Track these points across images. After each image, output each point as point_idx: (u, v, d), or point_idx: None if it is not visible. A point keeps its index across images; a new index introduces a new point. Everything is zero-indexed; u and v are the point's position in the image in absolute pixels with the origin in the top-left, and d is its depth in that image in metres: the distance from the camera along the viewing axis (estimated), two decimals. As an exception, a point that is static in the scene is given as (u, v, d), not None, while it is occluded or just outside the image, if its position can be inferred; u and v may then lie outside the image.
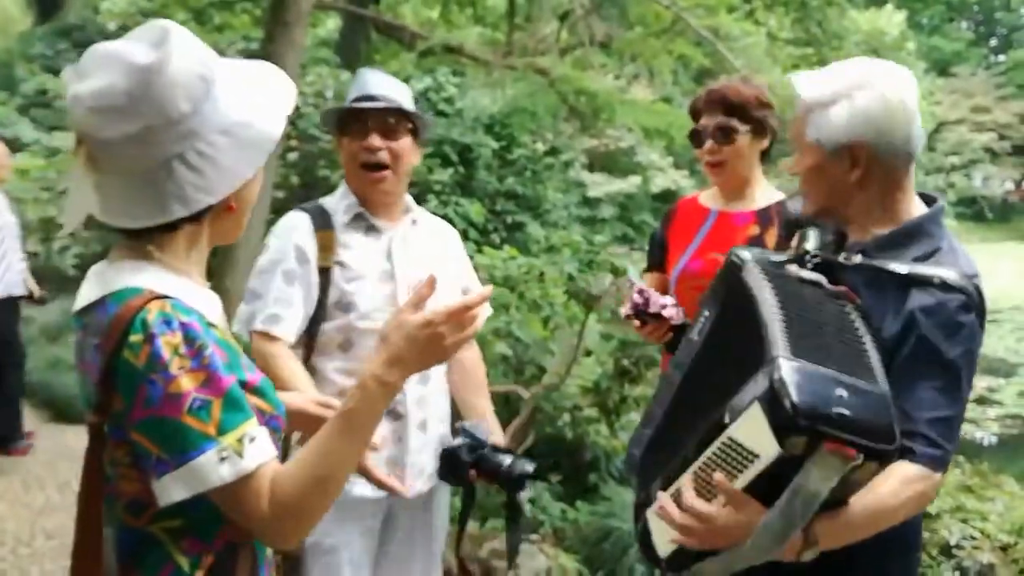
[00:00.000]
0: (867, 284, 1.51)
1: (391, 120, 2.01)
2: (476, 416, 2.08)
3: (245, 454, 1.08)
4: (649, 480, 1.60)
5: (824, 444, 1.25)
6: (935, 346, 1.42)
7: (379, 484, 1.66)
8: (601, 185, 14.20)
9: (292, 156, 9.04)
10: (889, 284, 1.48)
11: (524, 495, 1.82)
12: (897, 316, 1.46)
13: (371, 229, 2.04)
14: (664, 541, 1.49)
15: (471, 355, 2.19)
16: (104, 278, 1.15)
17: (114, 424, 1.09)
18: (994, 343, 12.22)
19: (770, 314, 1.39)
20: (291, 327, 1.92)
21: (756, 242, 2.20)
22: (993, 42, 40.98)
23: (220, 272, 8.28)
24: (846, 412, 1.26)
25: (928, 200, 1.59)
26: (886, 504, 1.38)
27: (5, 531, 4.04)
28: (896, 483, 1.38)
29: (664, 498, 1.44)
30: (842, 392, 1.28)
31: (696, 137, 2.26)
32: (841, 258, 1.54)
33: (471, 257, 6.35)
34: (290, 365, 1.88)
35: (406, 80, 10.63)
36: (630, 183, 14.64)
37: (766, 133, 2.24)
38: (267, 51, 8.09)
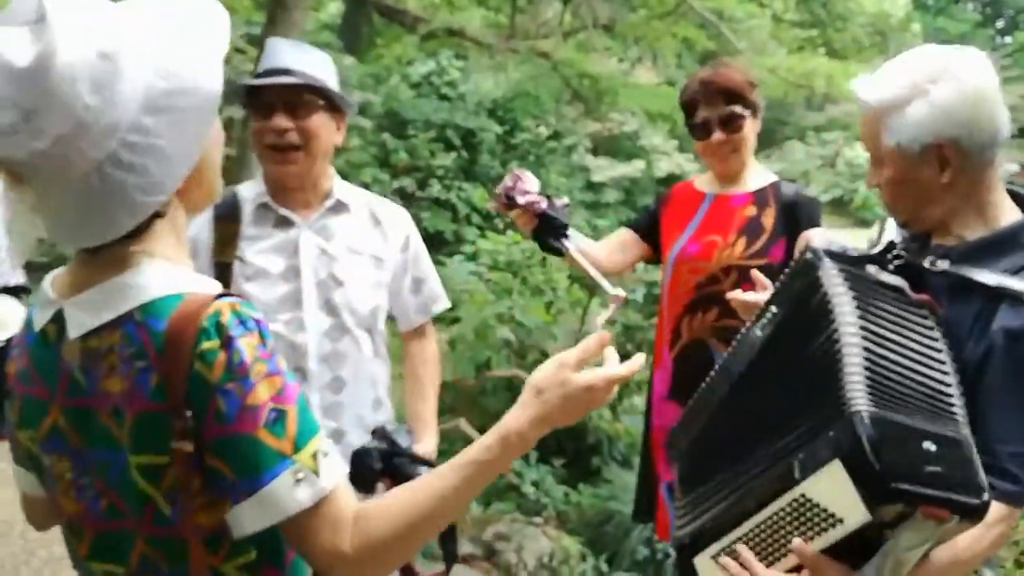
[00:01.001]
0: (950, 292, 1.37)
1: (301, 96, 1.78)
2: (418, 423, 1.93)
3: (321, 472, 0.93)
4: (695, 505, 1.46)
5: (919, 509, 1.13)
6: (1021, 373, 1.29)
7: None
8: (605, 169, 14.14)
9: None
10: (974, 296, 1.35)
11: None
12: (981, 334, 1.33)
13: (281, 221, 1.84)
14: None
15: (419, 350, 2.06)
16: (104, 294, 0.96)
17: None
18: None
19: (848, 341, 1.24)
20: None
21: (753, 223, 2.22)
22: (1000, 23, 40.64)
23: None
24: (938, 470, 1.14)
25: (1019, 199, 1.45)
26: (966, 553, 1.28)
27: (14, 516, 4.07)
28: (977, 530, 1.24)
29: (749, 558, 1.29)
30: (930, 446, 1.16)
31: (700, 129, 2.25)
32: (926, 263, 1.40)
33: (473, 243, 6.27)
34: None
35: (408, 64, 10.61)
36: (634, 167, 14.59)
37: (759, 114, 2.27)
38: (268, 34, 8.06)
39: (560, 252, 2.10)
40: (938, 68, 1.35)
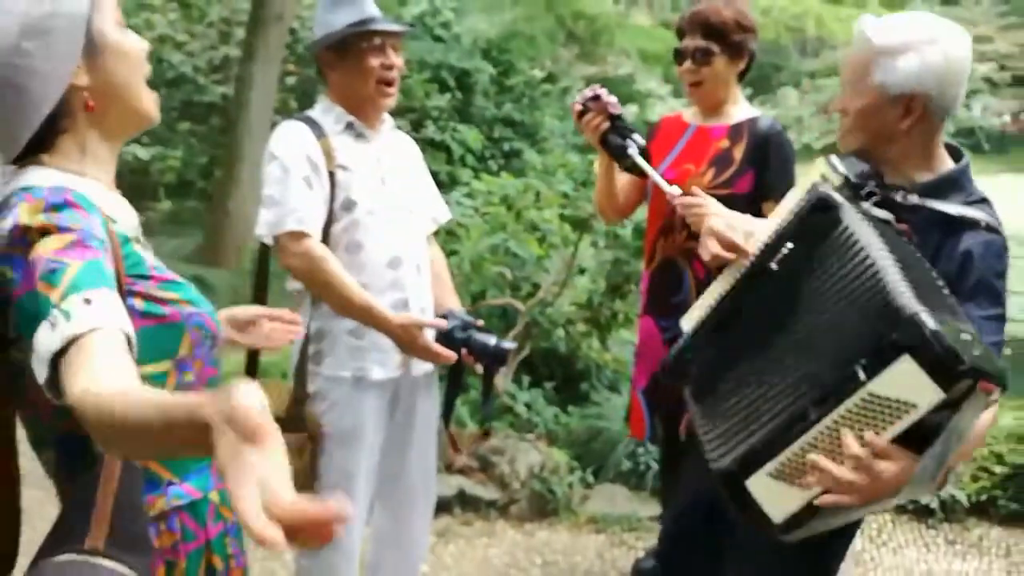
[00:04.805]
0: (913, 225, 1.60)
1: (399, 40, 2.17)
2: (449, 303, 2.29)
3: (74, 316, 0.86)
4: (731, 435, 1.56)
5: (980, 384, 1.34)
6: (989, 281, 1.57)
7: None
8: (599, 113, 14.14)
9: (290, 80, 9.08)
10: (934, 227, 1.60)
11: (501, 372, 2.09)
12: (951, 255, 1.58)
13: (360, 136, 2.17)
14: (780, 506, 1.49)
15: (438, 257, 2.38)
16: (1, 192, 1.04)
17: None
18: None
19: (884, 262, 1.43)
20: (318, 228, 2.05)
21: (724, 155, 2.40)
22: (1000, -32, 40.06)
23: (223, 192, 8.39)
24: (978, 353, 1.37)
25: (953, 152, 1.70)
26: (983, 427, 1.52)
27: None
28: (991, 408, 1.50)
29: (822, 460, 1.42)
30: (966, 336, 1.39)
31: (678, 56, 2.44)
32: (899, 197, 1.62)
33: (467, 184, 6.36)
34: (340, 268, 2.03)
35: (402, 4, 10.54)
36: (628, 111, 14.59)
37: (743, 55, 2.42)
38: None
39: (624, 153, 2.25)
40: (935, 33, 1.60)
